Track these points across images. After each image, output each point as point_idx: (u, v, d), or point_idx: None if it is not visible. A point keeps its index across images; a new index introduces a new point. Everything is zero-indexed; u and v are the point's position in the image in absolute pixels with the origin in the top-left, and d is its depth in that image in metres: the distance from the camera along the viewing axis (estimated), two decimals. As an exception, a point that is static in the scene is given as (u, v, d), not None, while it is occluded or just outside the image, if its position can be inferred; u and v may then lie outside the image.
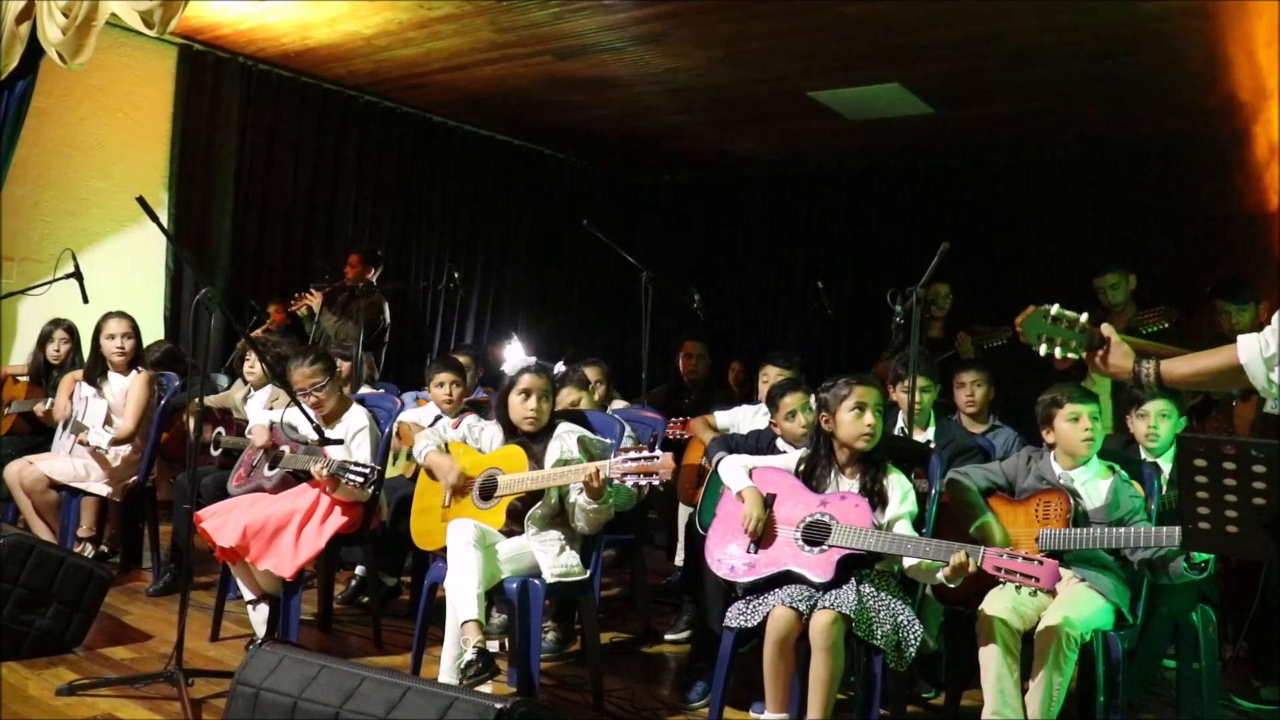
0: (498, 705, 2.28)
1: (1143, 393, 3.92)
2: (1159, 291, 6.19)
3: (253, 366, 5.33)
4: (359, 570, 4.92)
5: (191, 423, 5.05)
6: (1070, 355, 2.42)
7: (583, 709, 3.56)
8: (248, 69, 7.25)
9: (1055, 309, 2.40)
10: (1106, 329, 2.39)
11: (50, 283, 5.37)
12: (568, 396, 4.70)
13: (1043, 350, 2.44)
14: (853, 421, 3.23)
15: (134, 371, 4.92)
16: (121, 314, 4.94)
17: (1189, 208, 7.55)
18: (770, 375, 4.66)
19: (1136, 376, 2.35)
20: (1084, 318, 2.40)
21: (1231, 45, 5.69)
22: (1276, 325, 2.18)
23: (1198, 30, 5.56)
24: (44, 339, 5.46)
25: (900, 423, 4.37)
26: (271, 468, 4.16)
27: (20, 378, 5.56)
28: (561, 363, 6.58)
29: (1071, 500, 3.26)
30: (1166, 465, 3.74)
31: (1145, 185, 7.75)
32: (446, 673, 3.30)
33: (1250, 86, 6.25)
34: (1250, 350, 2.20)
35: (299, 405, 3.83)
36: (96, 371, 4.92)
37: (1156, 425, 3.83)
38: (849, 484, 3.28)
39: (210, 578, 4.72)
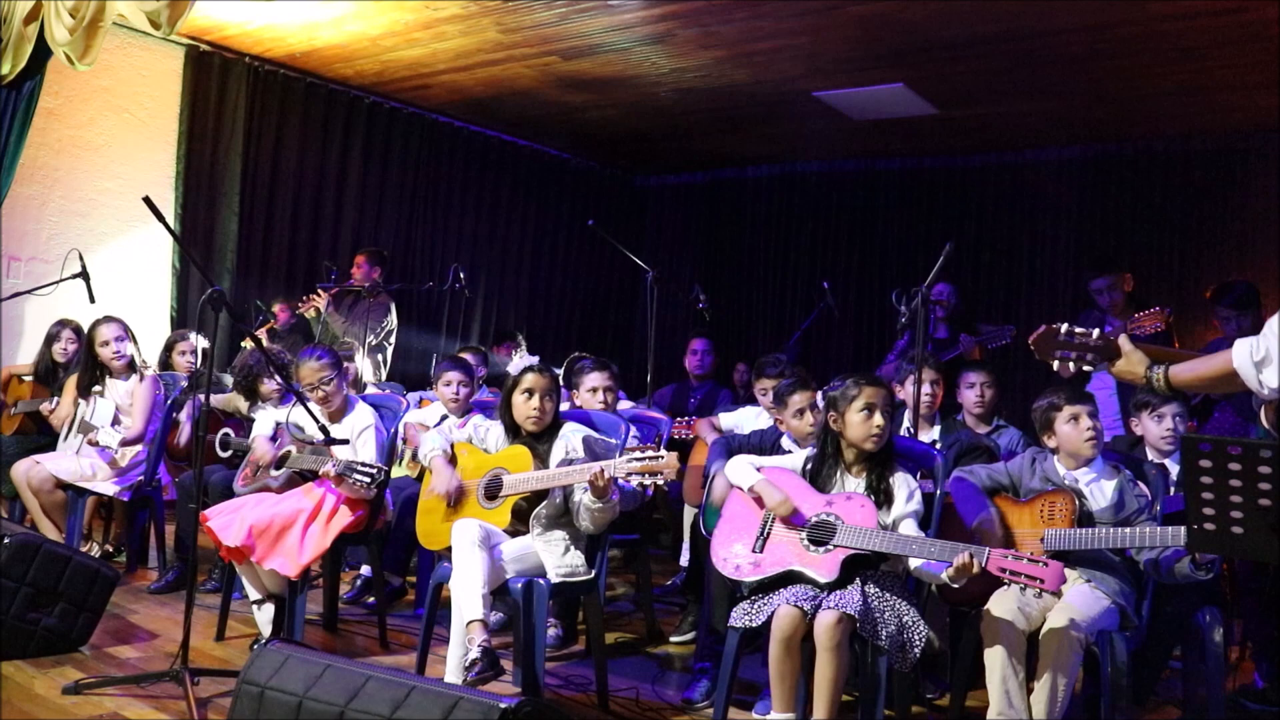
0: (502, 705, 2.28)
1: (1154, 397, 3.92)
2: (1157, 294, 6.18)
3: (273, 389, 4.88)
4: (364, 570, 4.93)
5: (184, 418, 5.08)
6: (1086, 368, 2.55)
7: (587, 709, 3.56)
8: (254, 69, 7.26)
9: (1065, 328, 2.55)
10: (1123, 340, 2.52)
11: (57, 283, 5.40)
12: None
13: (1056, 365, 2.60)
14: (861, 422, 3.23)
15: (136, 373, 4.92)
16: (110, 319, 4.92)
17: (1193, 210, 7.54)
18: (768, 387, 4.67)
19: (1149, 381, 2.48)
20: (1095, 333, 2.54)
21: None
22: (1270, 329, 2.23)
23: (1203, 31, 5.55)
24: (51, 339, 5.47)
25: (906, 422, 4.37)
26: (278, 467, 4.16)
27: (26, 377, 5.58)
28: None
29: (1076, 500, 3.25)
30: (1173, 468, 3.73)
31: (1149, 187, 7.73)
32: (452, 672, 3.31)
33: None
34: (1242, 355, 2.27)
35: (305, 406, 3.83)
36: (90, 380, 4.90)
37: (1175, 427, 3.82)
38: (855, 484, 3.27)
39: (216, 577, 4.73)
